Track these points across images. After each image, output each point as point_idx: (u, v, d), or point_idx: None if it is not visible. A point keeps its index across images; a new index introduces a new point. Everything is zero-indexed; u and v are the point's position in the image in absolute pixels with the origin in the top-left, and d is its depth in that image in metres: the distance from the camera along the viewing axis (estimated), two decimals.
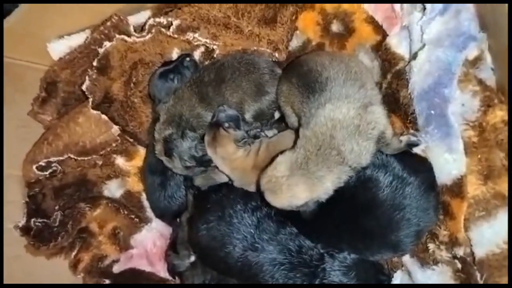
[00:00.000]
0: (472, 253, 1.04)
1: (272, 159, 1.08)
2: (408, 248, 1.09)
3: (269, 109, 1.32)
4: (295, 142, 1.07)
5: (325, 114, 1.01)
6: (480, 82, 1.02)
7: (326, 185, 1.01)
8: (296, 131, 1.10)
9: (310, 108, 1.05)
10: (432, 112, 1.04)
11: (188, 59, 1.39)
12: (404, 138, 1.09)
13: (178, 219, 1.47)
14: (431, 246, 1.11)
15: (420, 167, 1.08)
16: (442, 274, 1.09)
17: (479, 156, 1.02)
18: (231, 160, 1.23)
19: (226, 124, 1.22)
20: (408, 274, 1.17)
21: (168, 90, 1.38)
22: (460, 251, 1.06)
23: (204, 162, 1.29)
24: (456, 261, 1.07)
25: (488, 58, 1.02)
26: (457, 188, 1.04)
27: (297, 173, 1.01)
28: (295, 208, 1.05)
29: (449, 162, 1.04)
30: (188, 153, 1.27)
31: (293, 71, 1.18)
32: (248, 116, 1.31)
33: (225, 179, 1.31)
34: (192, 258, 1.39)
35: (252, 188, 1.23)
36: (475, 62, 1.02)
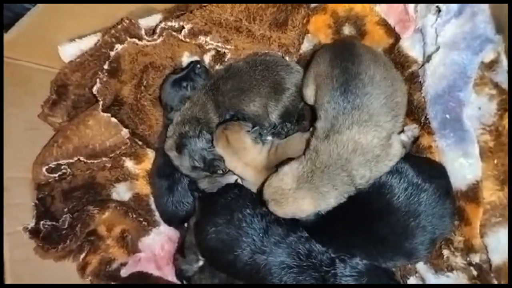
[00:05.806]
0: (489, 260, 1.02)
1: (277, 166, 1.08)
2: (423, 256, 1.07)
3: (292, 106, 1.30)
4: (304, 151, 1.07)
5: (350, 135, 0.99)
6: (496, 85, 1.00)
7: (329, 200, 1.02)
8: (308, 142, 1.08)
9: (336, 117, 1.01)
10: (447, 116, 1.03)
11: (198, 65, 1.39)
12: (404, 137, 1.08)
13: (185, 224, 1.46)
14: (445, 252, 1.09)
15: (435, 173, 1.06)
16: (457, 281, 1.06)
17: (495, 161, 1.00)
18: (243, 154, 1.22)
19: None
20: (421, 281, 1.15)
21: (181, 97, 1.38)
22: (475, 258, 1.04)
23: (211, 167, 1.28)
24: (472, 268, 1.05)
25: (504, 61, 1.00)
26: (473, 193, 1.02)
27: (303, 186, 1.01)
28: (297, 217, 1.07)
29: (464, 166, 1.02)
30: (200, 153, 1.27)
31: (342, 59, 1.07)
32: (274, 117, 1.31)
33: (230, 180, 1.31)
34: (200, 263, 1.37)
35: None
36: (491, 65, 1.00)
